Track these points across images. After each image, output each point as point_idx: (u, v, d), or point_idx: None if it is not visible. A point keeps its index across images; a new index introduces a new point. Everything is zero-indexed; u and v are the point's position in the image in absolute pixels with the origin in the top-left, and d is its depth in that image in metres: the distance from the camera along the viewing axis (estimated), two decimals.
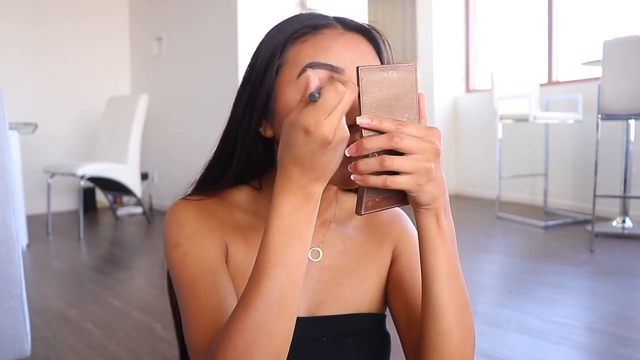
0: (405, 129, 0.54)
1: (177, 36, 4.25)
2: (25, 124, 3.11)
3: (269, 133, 0.68)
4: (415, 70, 0.57)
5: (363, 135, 0.55)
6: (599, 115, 2.88)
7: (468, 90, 5.18)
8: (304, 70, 0.63)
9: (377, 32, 0.69)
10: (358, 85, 0.54)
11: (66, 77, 4.55)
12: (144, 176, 4.49)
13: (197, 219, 0.70)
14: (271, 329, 0.55)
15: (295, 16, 0.69)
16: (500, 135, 3.92)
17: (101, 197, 4.61)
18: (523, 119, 3.59)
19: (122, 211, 4.31)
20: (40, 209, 4.18)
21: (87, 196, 4.42)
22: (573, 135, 4.09)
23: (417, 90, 0.57)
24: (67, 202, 4.55)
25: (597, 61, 3.19)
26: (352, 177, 0.55)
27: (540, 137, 4.22)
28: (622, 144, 3.40)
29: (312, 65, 0.62)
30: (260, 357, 0.54)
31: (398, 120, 0.55)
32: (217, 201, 0.73)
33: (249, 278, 0.57)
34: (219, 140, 0.73)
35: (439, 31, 5.10)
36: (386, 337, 0.78)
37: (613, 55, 2.85)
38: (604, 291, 2.25)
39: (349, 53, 0.64)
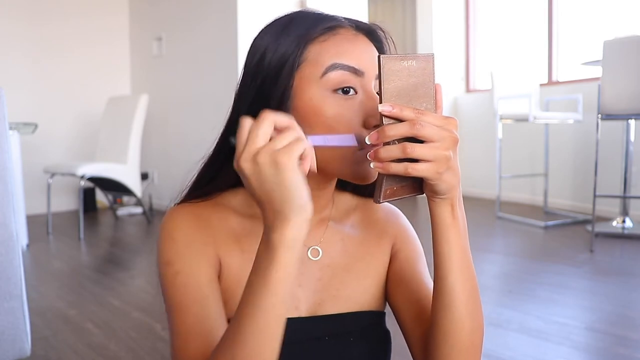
0: (425, 117, 0.55)
1: (177, 36, 4.25)
2: (25, 124, 3.12)
3: None
4: (433, 60, 0.57)
5: (383, 122, 0.55)
6: (599, 115, 2.88)
7: (468, 90, 5.18)
8: (328, 69, 0.63)
9: (382, 32, 0.70)
10: (379, 73, 0.55)
11: (66, 77, 4.54)
12: (144, 176, 4.49)
13: (191, 230, 0.68)
14: None
15: (305, 14, 0.68)
16: (500, 135, 3.92)
17: (101, 197, 4.61)
18: (523, 119, 3.59)
19: (122, 211, 4.31)
20: (40, 209, 4.18)
21: (87, 196, 4.42)
22: (573, 135, 4.09)
23: (434, 80, 0.58)
24: (67, 202, 4.55)
25: (597, 61, 3.18)
26: (372, 165, 0.56)
27: (540, 137, 4.22)
28: (622, 144, 3.40)
29: (336, 66, 0.63)
30: None
31: (417, 109, 0.56)
32: (212, 205, 0.72)
33: (236, 311, 0.57)
34: (219, 137, 0.72)
35: (439, 31, 5.10)
36: (386, 334, 0.78)
37: (613, 55, 2.85)
38: (604, 291, 2.25)
39: (367, 55, 0.65)
